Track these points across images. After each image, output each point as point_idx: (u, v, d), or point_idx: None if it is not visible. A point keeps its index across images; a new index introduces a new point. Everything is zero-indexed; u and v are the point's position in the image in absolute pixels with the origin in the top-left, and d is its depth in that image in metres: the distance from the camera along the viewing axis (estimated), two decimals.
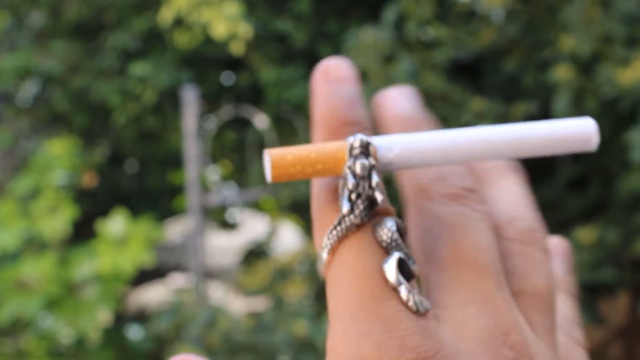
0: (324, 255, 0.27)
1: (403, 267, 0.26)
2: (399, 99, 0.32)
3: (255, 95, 3.33)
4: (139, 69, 2.88)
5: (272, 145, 2.94)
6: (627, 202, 2.26)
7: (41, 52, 3.16)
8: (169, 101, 3.27)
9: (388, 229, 0.26)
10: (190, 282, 2.93)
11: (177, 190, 4.35)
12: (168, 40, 2.98)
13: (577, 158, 2.49)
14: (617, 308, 2.50)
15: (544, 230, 0.31)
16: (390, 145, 0.27)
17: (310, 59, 3.15)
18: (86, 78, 3.09)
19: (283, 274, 2.76)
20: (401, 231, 0.27)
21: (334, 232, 0.27)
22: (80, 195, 4.08)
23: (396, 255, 0.26)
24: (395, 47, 2.39)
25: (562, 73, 2.06)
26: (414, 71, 2.33)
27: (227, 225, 3.97)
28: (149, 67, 2.90)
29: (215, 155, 3.47)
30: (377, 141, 0.27)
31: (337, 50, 2.98)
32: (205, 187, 3.35)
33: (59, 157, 3.45)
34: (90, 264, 3.13)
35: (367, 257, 0.26)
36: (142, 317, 4.41)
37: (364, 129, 0.28)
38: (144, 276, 4.35)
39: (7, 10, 3.36)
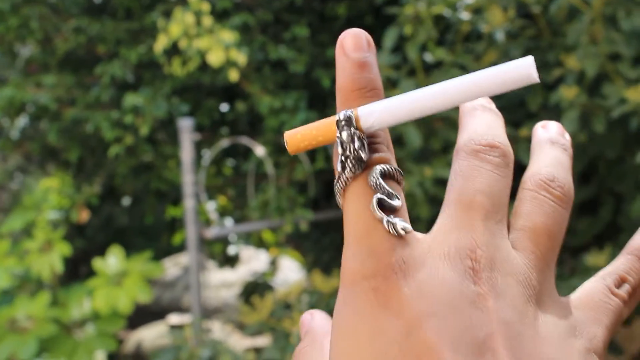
0: (339, 201, 0.35)
1: (383, 204, 0.33)
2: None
3: (253, 124, 3.28)
4: (132, 100, 2.83)
5: (271, 174, 2.89)
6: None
7: (32, 85, 3.11)
8: (165, 132, 3.21)
9: (372, 176, 0.34)
10: (190, 318, 2.86)
11: (175, 224, 4.29)
12: (164, 70, 2.93)
13: (587, 181, 2.43)
14: (633, 336, 2.43)
15: (566, 184, 0.37)
16: (370, 112, 0.34)
17: (309, 86, 3.11)
18: (79, 110, 3.03)
19: (285, 306, 2.69)
20: (388, 175, 0.35)
21: (337, 186, 0.35)
22: (75, 232, 4.02)
23: (376, 197, 0.33)
24: (397, 71, 2.34)
25: (568, 93, 2.00)
26: None
27: (228, 260, 3.90)
28: (143, 98, 2.85)
29: (214, 186, 3.41)
30: (360, 110, 0.35)
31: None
32: (204, 220, 3.28)
33: (52, 195, 3.40)
34: (86, 302, 3.07)
35: (360, 200, 0.34)
36: (138, 356, 4.32)
37: (371, 90, 0.36)
38: (141, 313, 4.27)
39: None
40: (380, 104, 0.35)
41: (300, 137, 0.36)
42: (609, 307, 0.36)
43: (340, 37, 0.37)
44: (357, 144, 0.34)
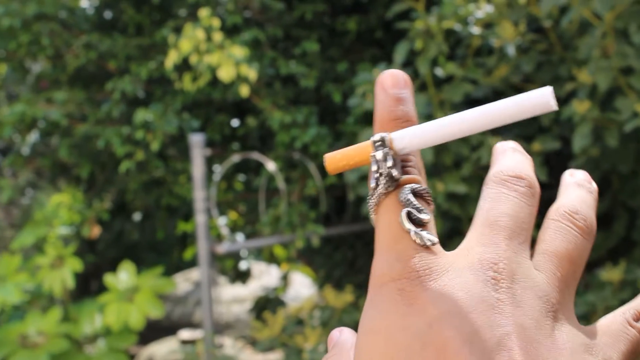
0: (372, 217, 0.38)
1: (412, 218, 0.36)
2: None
3: (264, 139, 3.27)
4: (143, 115, 2.83)
5: (282, 190, 2.88)
6: None
7: (43, 101, 3.11)
8: (176, 148, 3.21)
9: (403, 193, 0.37)
10: (202, 333, 2.85)
11: (186, 240, 4.29)
12: (175, 85, 2.93)
13: (600, 195, 2.42)
14: None
15: (588, 217, 0.39)
16: (403, 136, 0.38)
17: (320, 101, 3.10)
18: (90, 126, 3.03)
19: (297, 322, 2.68)
20: (418, 194, 0.38)
21: (371, 201, 0.39)
22: (87, 247, 4.02)
23: (405, 210, 0.37)
24: None
25: (580, 107, 1.99)
26: (428, 110, 2.28)
27: (239, 275, 3.89)
28: (154, 114, 2.85)
29: (225, 202, 3.40)
30: (394, 134, 0.38)
31: (347, 91, 2.93)
32: (215, 236, 3.28)
33: (62, 210, 3.40)
34: (97, 318, 3.06)
35: (391, 213, 0.37)
36: None
37: (407, 122, 0.39)
38: (152, 328, 4.26)
39: (9, 62, 3.33)
40: (412, 129, 0.38)
41: (339, 157, 0.40)
42: (626, 336, 0.37)
43: (380, 76, 0.41)
44: (390, 162, 0.38)
